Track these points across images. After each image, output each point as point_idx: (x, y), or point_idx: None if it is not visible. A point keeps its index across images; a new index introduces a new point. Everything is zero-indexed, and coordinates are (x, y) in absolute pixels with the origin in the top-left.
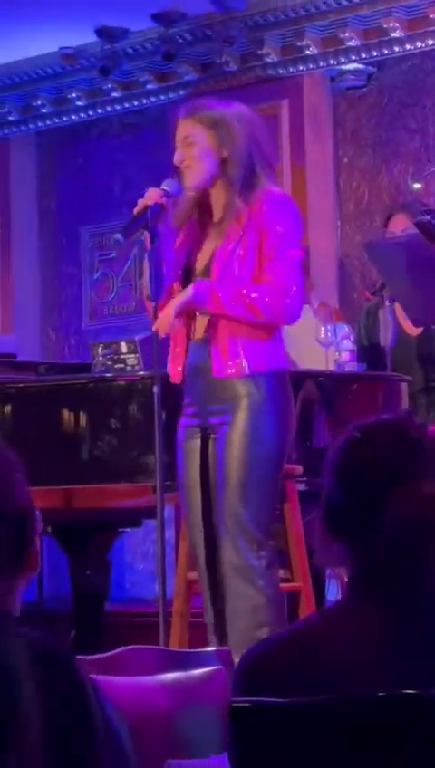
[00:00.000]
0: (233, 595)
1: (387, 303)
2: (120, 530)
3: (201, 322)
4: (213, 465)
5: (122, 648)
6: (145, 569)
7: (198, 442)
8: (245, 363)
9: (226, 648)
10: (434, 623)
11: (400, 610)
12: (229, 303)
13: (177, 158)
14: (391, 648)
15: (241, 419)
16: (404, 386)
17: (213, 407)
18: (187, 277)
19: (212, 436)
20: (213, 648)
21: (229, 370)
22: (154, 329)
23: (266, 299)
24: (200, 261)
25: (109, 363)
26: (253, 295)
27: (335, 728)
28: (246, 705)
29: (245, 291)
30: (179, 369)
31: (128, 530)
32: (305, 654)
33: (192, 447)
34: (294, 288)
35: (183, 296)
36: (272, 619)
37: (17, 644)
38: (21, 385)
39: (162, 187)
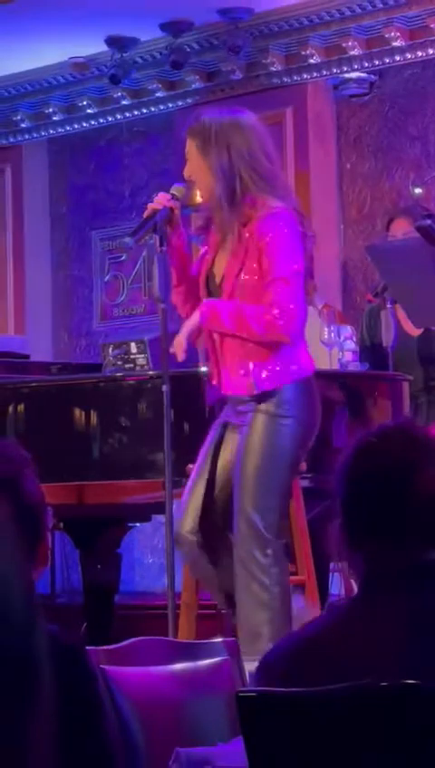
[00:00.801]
0: (240, 589)
1: (389, 305)
2: (129, 525)
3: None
4: (227, 456)
5: (132, 640)
6: (154, 562)
7: (234, 435)
8: (252, 382)
9: (232, 638)
10: None
11: (416, 606)
12: (231, 322)
13: (184, 171)
14: (409, 643)
15: (260, 424)
16: (406, 385)
17: (237, 407)
18: (208, 286)
19: (234, 431)
20: (220, 639)
21: (237, 390)
22: (172, 351)
23: (266, 318)
24: (218, 270)
25: (119, 363)
26: (252, 314)
27: (344, 718)
28: (254, 695)
29: (245, 311)
30: (214, 382)
31: (137, 525)
32: (322, 655)
33: (232, 438)
34: (292, 306)
35: (192, 320)
36: (276, 616)
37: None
38: (34, 384)
39: (171, 191)
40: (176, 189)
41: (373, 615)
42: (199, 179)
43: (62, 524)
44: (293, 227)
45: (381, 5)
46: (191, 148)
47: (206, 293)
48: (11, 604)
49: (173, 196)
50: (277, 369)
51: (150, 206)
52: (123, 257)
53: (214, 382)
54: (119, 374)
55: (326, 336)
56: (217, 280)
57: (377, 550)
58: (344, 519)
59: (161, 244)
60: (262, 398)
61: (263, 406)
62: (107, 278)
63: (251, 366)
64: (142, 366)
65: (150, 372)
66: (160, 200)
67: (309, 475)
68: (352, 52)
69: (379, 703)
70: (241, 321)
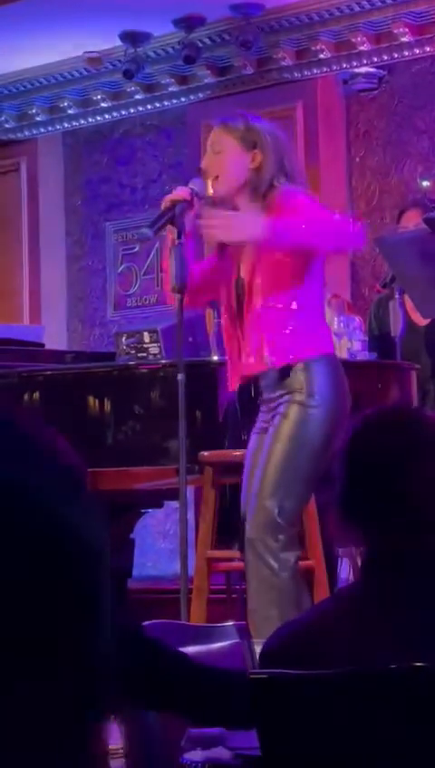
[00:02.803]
0: (249, 573)
1: (397, 295)
2: (142, 511)
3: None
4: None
5: (145, 623)
6: (166, 548)
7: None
8: (267, 356)
9: (243, 622)
10: None
11: (415, 589)
12: (297, 233)
13: (204, 163)
14: (410, 626)
15: (290, 413)
16: (413, 374)
17: (268, 396)
18: (236, 290)
19: (265, 431)
20: (232, 623)
21: (256, 365)
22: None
23: (324, 224)
24: (244, 270)
25: (132, 352)
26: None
27: (354, 700)
28: (265, 677)
29: (302, 224)
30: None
31: (150, 511)
32: (322, 640)
33: (261, 439)
34: (335, 215)
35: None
36: (284, 601)
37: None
38: (48, 373)
39: (190, 185)
40: (194, 183)
41: (374, 599)
42: (227, 174)
43: None
44: (310, 198)
45: (390, 1)
46: (225, 141)
47: (235, 297)
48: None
49: (192, 191)
50: (299, 342)
51: (169, 198)
52: (136, 249)
53: (231, 380)
54: (132, 363)
55: (336, 326)
56: (243, 274)
57: (376, 533)
58: (343, 502)
59: (178, 237)
60: (291, 384)
61: (294, 396)
62: (120, 269)
63: (268, 340)
64: (155, 355)
65: (163, 361)
66: (180, 193)
67: None
68: (361, 48)
69: (388, 685)
70: (303, 230)
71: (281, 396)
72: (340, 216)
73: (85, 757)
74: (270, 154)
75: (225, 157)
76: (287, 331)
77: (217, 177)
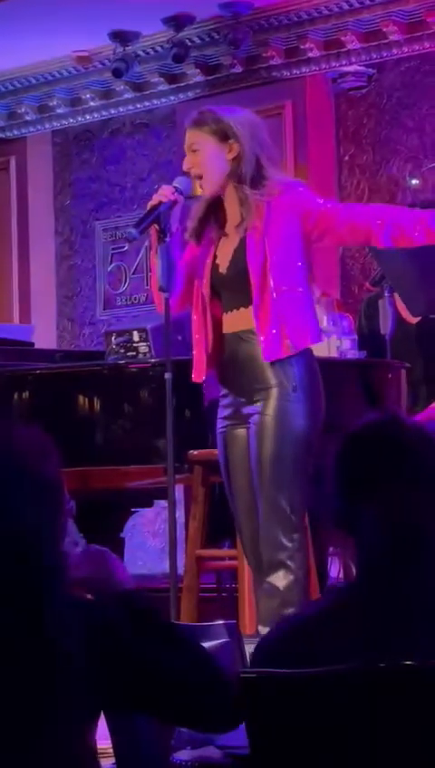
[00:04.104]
0: (266, 574)
1: (387, 294)
2: (132, 510)
3: (235, 316)
4: (246, 452)
5: None
6: (156, 546)
7: (242, 431)
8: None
9: (233, 621)
10: None
11: (414, 586)
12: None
13: (185, 165)
14: (405, 625)
15: (271, 408)
16: (404, 372)
17: (245, 397)
18: (212, 278)
19: (245, 425)
20: (221, 622)
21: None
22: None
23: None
24: (222, 260)
25: (121, 351)
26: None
27: (352, 698)
28: (255, 675)
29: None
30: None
31: (140, 510)
32: (318, 637)
33: (235, 435)
34: None
35: None
36: (298, 600)
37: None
38: (38, 372)
39: (174, 184)
40: (179, 182)
41: (370, 597)
42: (209, 172)
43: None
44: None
45: (378, 0)
46: (200, 140)
47: (209, 285)
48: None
49: (176, 189)
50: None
51: (155, 198)
52: (126, 247)
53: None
54: (122, 362)
55: (325, 324)
56: (222, 270)
57: (367, 533)
58: (336, 512)
59: (164, 236)
60: (273, 378)
61: (274, 390)
62: (110, 268)
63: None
64: (144, 354)
65: (152, 360)
66: (164, 192)
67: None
68: (350, 46)
69: (378, 684)
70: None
71: (260, 390)
72: None
73: (58, 753)
74: (246, 141)
75: (202, 154)
76: (301, 315)
77: (200, 176)
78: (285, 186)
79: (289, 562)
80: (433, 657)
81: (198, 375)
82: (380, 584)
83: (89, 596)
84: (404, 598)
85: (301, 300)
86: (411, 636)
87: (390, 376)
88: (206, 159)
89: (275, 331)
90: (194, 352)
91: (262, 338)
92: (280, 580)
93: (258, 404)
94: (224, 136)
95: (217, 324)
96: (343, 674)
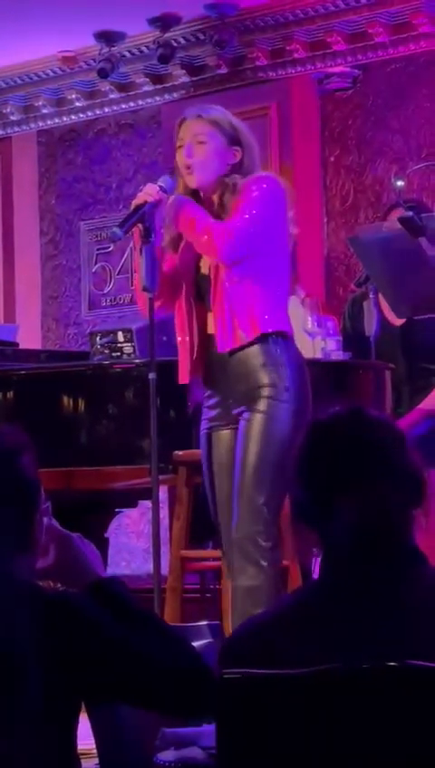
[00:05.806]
0: (238, 573)
1: (371, 295)
2: (116, 510)
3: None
4: (231, 453)
5: None
6: (141, 547)
7: (228, 432)
8: (241, 333)
9: (217, 622)
10: (408, 599)
11: (379, 582)
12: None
13: (186, 155)
14: (371, 622)
15: (260, 409)
16: (388, 373)
17: (234, 398)
18: (196, 277)
19: (232, 426)
20: (205, 623)
21: (230, 343)
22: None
23: (218, 232)
24: (203, 260)
25: (106, 351)
26: (209, 224)
27: (316, 699)
28: (230, 676)
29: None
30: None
31: (124, 510)
32: (283, 636)
33: (220, 436)
34: (241, 234)
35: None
36: (271, 600)
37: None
38: (23, 372)
39: (158, 183)
40: (163, 181)
41: (334, 595)
42: (210, 164)
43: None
44: (274, 190)
45: (364, 1)
46: (207, 131)
47: (194, 285)
48: None
49: (160, 188)
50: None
51: (140, 197)
52: (111, 248)
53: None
54: (106, 362)
55: (310, 325)
56: (204, 270)
57: (331, 530)
58: (298, 499)
59: (148, 235)
60: (265, 378)
61: (262, 391)
62: (95, 268)
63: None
64: (129, 354)
65: (137, 360)
66: (149, 192)
67: None
68: (335, 48)
69: (350, 684)
70: (198, 224)
71: (250, 389)
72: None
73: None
74: (248, 153)
75: (209, 147)
76: (257, 305)
77: (191, 165)
78: (255, 176)
79: (263, 562)
80: (401, 657)
81: (183, 377)
82: (344, 582)
83: (59, 585)
84: (370, 595)
85: (255, 290)
86: (378, 635)
87: (374, 377)
88: (212, 153)
89: (227, 322)
90: (179, 355)
91: (217, 328)
92: (253, 579)
93: (249, 403)
94: (234, 140)
95: (203, 325)
96: (316, 675)
